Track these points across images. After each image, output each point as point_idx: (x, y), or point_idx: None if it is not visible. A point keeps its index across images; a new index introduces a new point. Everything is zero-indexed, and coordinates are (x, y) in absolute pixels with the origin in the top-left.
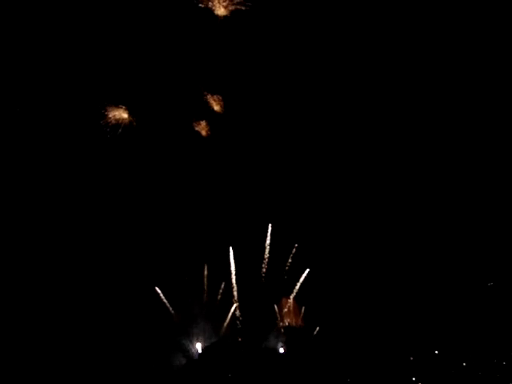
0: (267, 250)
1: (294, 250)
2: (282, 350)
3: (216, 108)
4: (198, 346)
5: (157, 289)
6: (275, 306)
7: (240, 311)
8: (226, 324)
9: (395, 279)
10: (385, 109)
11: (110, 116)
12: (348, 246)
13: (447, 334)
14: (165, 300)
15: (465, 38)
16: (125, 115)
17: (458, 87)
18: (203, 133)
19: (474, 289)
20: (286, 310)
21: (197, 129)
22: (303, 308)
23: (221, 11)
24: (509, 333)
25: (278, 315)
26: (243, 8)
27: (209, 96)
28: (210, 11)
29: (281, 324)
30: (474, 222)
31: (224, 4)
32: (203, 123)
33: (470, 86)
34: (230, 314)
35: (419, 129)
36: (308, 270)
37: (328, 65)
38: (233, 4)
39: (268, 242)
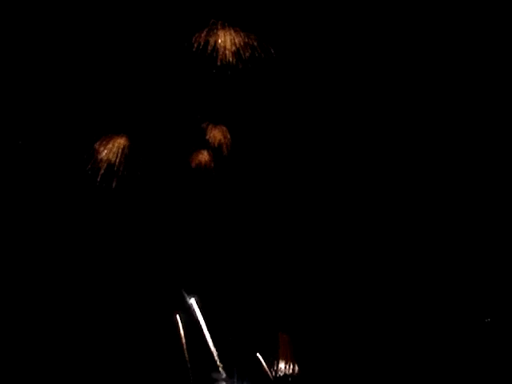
0: (265, 286)
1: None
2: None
3: (219, 138)
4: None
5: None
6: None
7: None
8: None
9: (392, 316)
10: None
11: (111, 144)
12: (346, 283)
13: (443, 369)
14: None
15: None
16: (126, 143)
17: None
18: (204, 162)
19: (470, 325)
20: (281, 347)
21: (199, 158)
22: (299, 344)
23: (227, 43)
24: (507, 369)
25: (275, 348)
26: (249, 43)
27: (211, 126)
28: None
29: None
30: (473, 254)
31: (230, 37)
32: (205, 153)
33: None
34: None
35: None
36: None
37: (335, 104)
38: (239, 36)
39: (266, 277)
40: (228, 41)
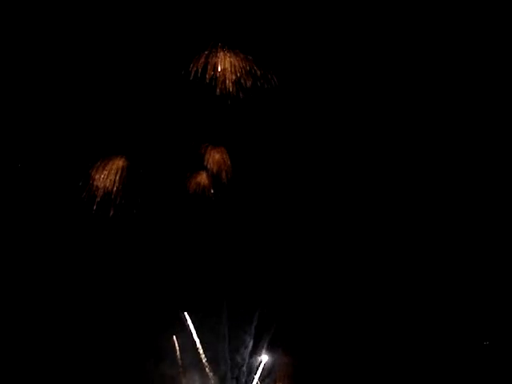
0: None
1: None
2: None
3: (218, 160)
4: None
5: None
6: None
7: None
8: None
9: (391, 336)
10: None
11: (109, 167)
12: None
13: None
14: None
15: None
16: (124, 164)
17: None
18: (203, 184)
19: (469, 348)
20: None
21: (197, 180)
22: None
23: (227, 70)
24: None
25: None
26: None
27: (210, 148)
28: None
29: None
30: (473, 277)
31: (230, 59)
32: (204, 175)
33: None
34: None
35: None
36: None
37: (334, 127)
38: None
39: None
40: (228, 66)
